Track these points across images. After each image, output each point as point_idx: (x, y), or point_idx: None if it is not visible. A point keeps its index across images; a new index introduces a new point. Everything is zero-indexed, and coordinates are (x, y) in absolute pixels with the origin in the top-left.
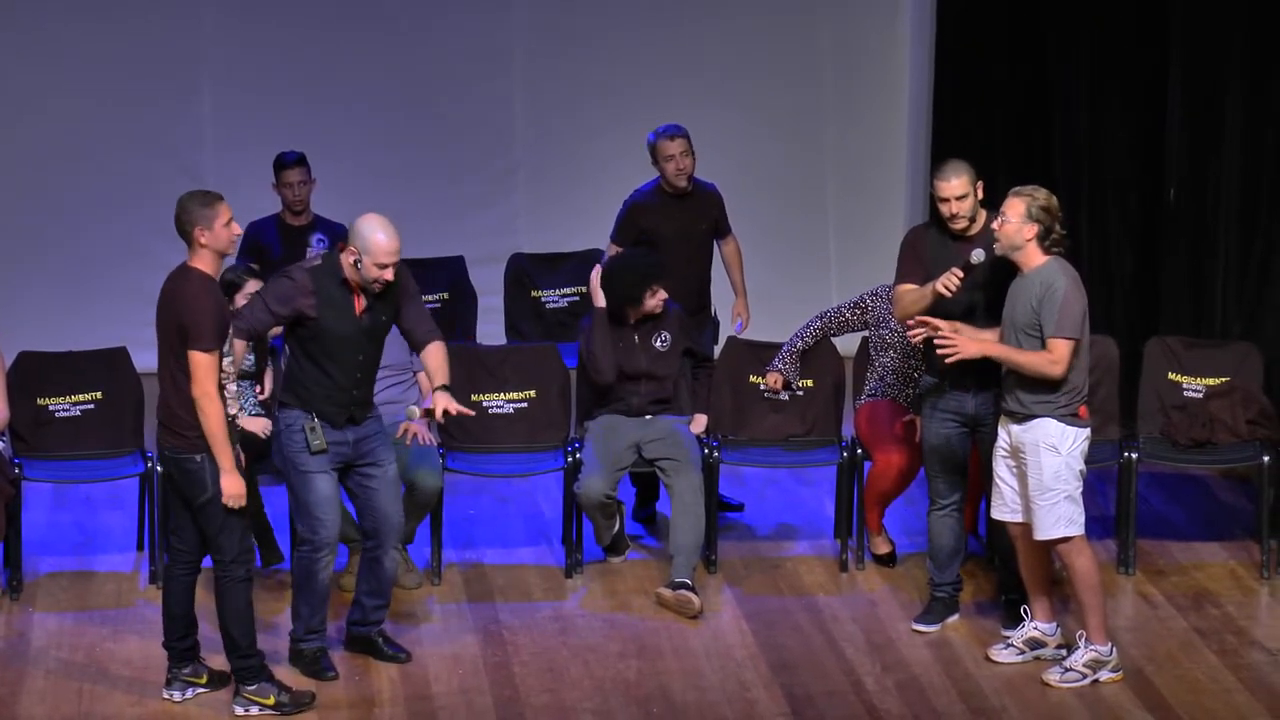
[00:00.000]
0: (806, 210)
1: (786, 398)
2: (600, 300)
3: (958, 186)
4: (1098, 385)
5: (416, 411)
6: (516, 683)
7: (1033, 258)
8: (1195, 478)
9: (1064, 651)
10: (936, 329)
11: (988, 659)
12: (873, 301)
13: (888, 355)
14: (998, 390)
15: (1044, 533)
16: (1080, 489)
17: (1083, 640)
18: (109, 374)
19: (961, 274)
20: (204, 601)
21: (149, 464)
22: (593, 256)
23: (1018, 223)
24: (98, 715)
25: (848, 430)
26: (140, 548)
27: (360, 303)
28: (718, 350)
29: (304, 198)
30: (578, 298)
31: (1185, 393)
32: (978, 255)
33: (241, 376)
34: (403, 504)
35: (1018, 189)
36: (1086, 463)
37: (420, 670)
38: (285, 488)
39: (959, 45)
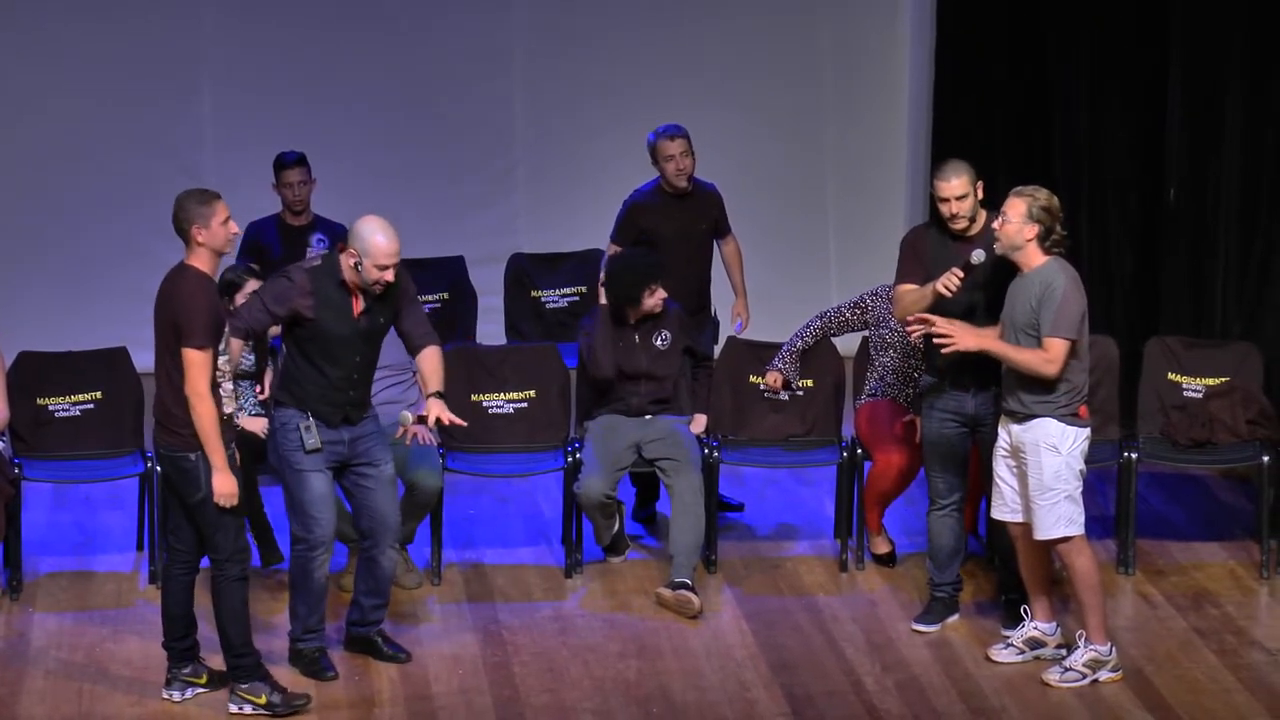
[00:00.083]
0: (806, 210)
1: (786, 397)
2: (603, 298)
3: (958, 186)
4: (1098, 385)
5: (410, 417)
6: (516, 683)
7: (1033, 258)
8: (1195, 478)
9: (1064, 651)
10: (933, 324)
11: (988, 659)
12: (873, 301)
13: (888, 355)
14: (997, 390)
15: (1044, 532)
16: (1080, 489)
17: (1082, 640)
18: (109, 374)
19: (962, 274)
20: (203, 601)
21: (149, 464)
22: (592, 256)
23: (1018, 223)
24: (97, 715)
25: (848, 430)
26: (140, 548)
27: (358, 304)
28: (718, 350)
29: (304, 198)
30: (577, 298)
31: (1185, 393)
32: (978, 255)
33: (242, 376)
34: (403, 504)
35: (1019, 189)
36: (1086, 462)
37: (420, 670)
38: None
39: (959, 45)
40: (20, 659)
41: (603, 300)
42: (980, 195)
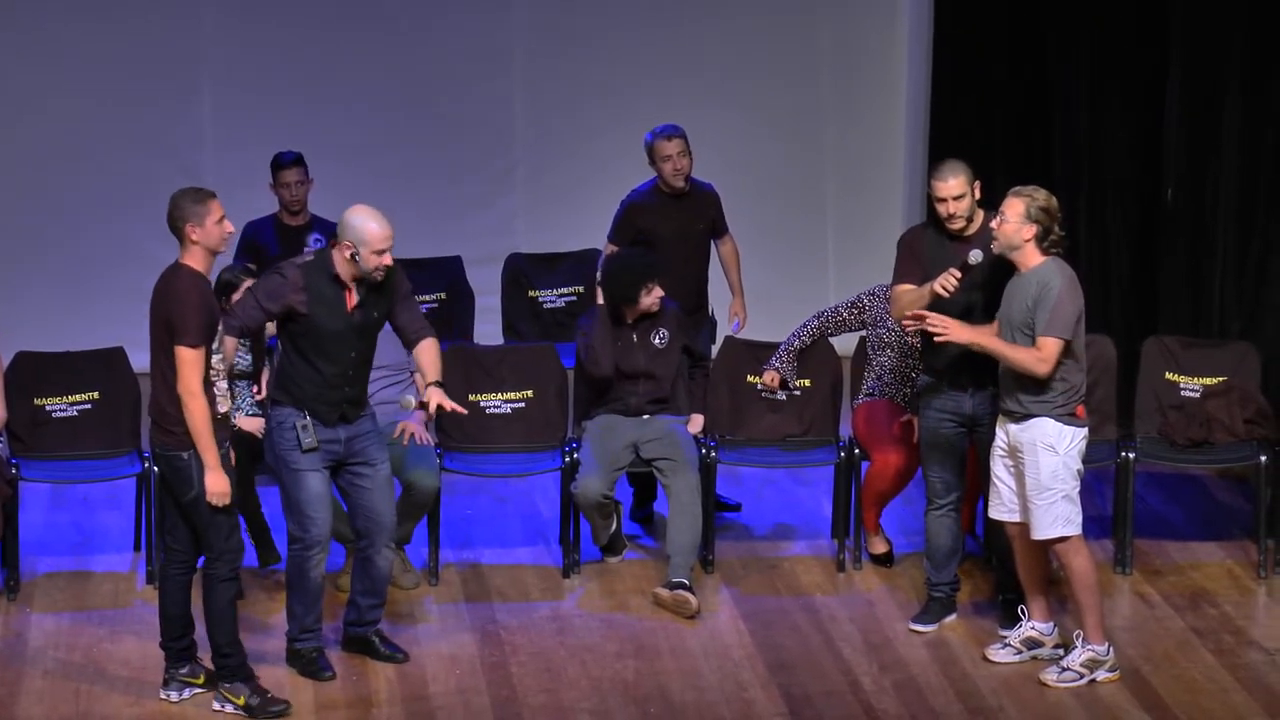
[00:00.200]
0: (805, 210)
1: (783, 397)
2: (600, 298)
3: (955, 186)
4: (1095, 385)
5: (412, 402)
6: (514, 683)
7: (1031, 258)
8: (1193, 477)
9: (1061, 651)
10: (927, 319)
11: (985, 659)
12: (870, 301)
13: (885, 355)
14: (995, 390)
15: (1041, 532)
16: (1078, 489)
17: (1080, 640)
18: (106, 374)
19: (959, 274)
20: (200, 601)
21: (146, 464)
22: (590, 256)
23: (1016, 223)
24: (95, 715)
25: (845, 430)
26: (137, 548)
27: (352, 299)
28: (715, 350)
29: (301, 198)
30: (575, 298)
31: (1183, 392)
32: (976, 256)
33: (239, 376)
34: (400, 504)
35: (1017, 189)
36: (1084, 462)
37: (418, 670)
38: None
39: (958, 45)
40: (18, 659)
41: (600, 300)
42: (978, 195)
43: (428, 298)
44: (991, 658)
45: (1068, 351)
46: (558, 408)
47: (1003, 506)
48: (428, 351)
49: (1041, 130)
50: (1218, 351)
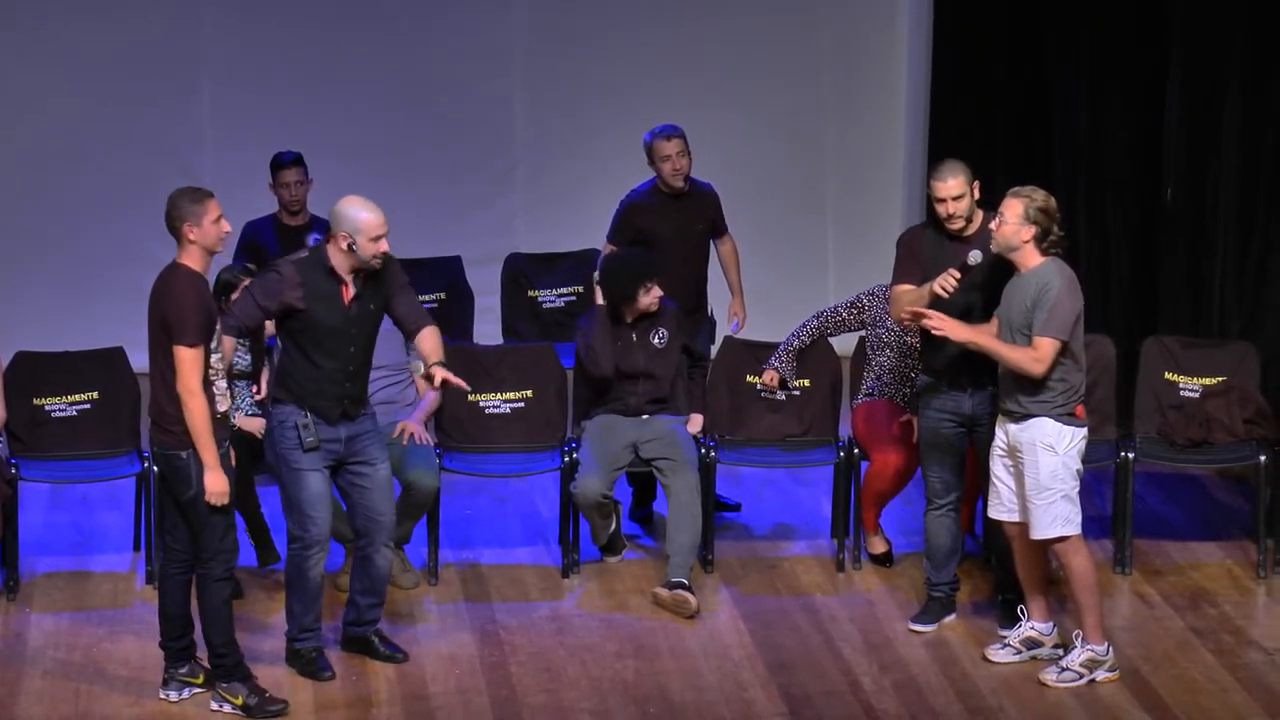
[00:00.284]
0: (805, 210)
1: (783, 396)
2: (599, 298)
3: (954, 187)
4: (1095, 385)
5: (420, 367)
6: (514, 683)
7: (1030, 258)
8: (1192, 477)
9: (1060, 651)
10: (925, 316)
11: (985, 659)
12: (869, 301)
13: (884, 355)
14: (994, 390)
15: (1041, 532)
16: (1077, 488)
17: (1079, 640)
18: (106, 374)
19: (959, 275)
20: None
21: (145, 464)
22: (589, 256)
23: (1016, 224)
24: (95, 715)
25: (845, 430)
26: (137, 548)
27: (348, 292)
28: (714, 350)
29: (300, 198)
30: (574, 298)
31: (1182, 392)
32: (975, 256)
33: (238, 376)
34: (400, 504)
35: (1016, 189)
36: (1083, 462)
37: (417, 670)
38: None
39: (958, 45)
40: (18, 659)
41: (600, 300)
42: (977, 195)
43: (427, 298)
44: (991, 658)
45: (1067, 352)
46: (557, 408)
47: (1002, 506)
48: (429, 339)
49: (1041, 130)
50: (1217, 351)
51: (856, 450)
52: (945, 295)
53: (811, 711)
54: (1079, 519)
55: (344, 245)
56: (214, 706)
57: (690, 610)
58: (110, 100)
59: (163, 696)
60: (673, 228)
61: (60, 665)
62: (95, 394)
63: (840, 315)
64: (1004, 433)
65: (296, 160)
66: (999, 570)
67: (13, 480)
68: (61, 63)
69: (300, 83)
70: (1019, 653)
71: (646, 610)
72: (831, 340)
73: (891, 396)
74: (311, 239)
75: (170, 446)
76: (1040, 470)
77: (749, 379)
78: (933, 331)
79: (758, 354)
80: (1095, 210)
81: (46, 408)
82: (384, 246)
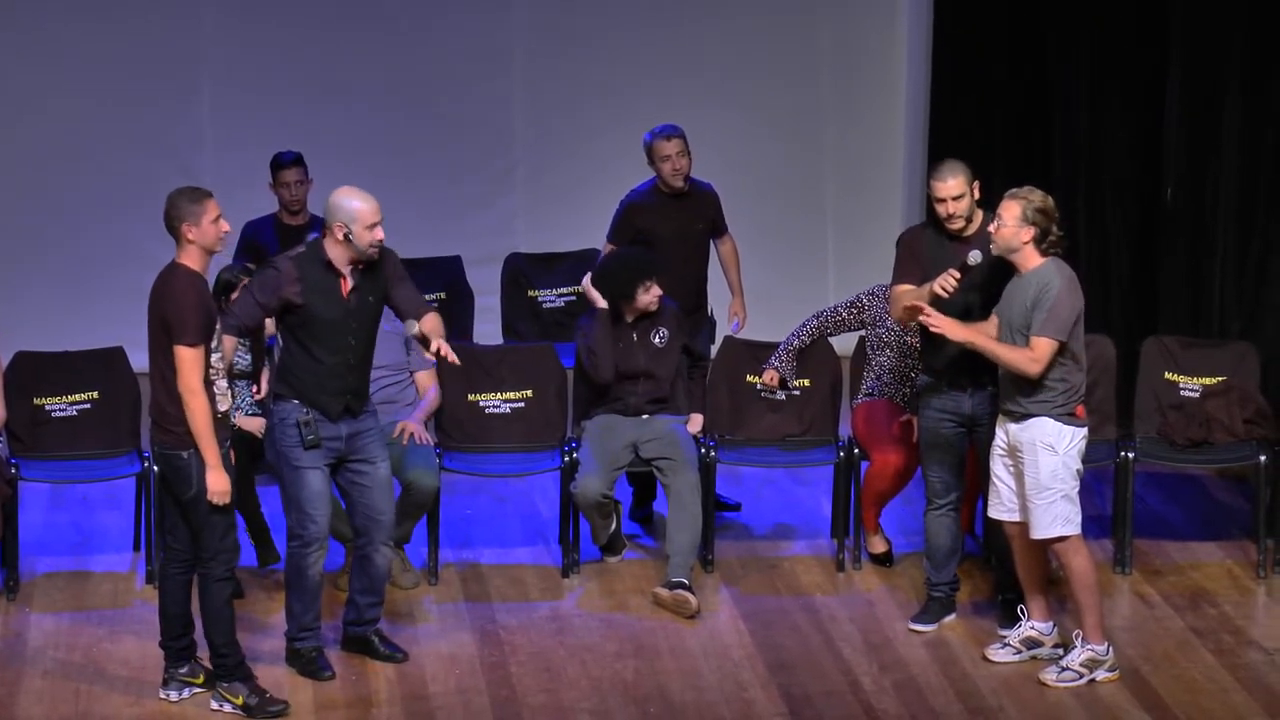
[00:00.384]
0: (805, 210)
1: (782, 396)
2: (600, 302)
3: (954, 187)
4: (1095, 385)
5: (415, 327)
6: (514, 683)
7: (1030, 259)
8: (1192, 477)
9: (1060, 651)
10: (923, 310)
11: (985, 658)
12: (869, 301)
13: (884, 355)
14: (994, 390)
15: (1041, 532)
16: (1077, 488)
17: (1079, 640)
18: (106, 374)
19: (959, 275)
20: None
21: (145, 464)
22: (589, 256)
23: (1014, 226)
24: (95, 715)
25: (845, 430)
26: (137, 548)
27: (346, 285)
28: (714, 350)
29: (300, 198)
30: (574, 297)
31: (1182, 392)
32: (975, 256)
33: (238, 376)
34: (399, 504)
35: (1013, 191)
36: (1083, 462)
37: (417, 670)
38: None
39: (957, 45)
40: (18, 659)
41: (601, 304)
42: (977, 195)
43: (428, 297)
44: (991, 657)
45: (1068, 352)
46: (557, 408)
47: (1002, 506)
48: (429, 321)
49: (1041, 130)
50: (1217, 351)
51: (856, 450)
52: (945, 295)
53: (811, 711)
54: (1079, 519)
55: (340, 236)
56: (214, 706)
57: (690, 610)
58: (110, 100)
59: (163, 696)
60: (673, 228)
61: (60, 665)
62: (95, 394)
63: (840, 315)
64: (1004, 432)
65: (296, 160)
66: (999, 570)
67: (13, 480)
68: (61, 63)
69: (300, 83)
70: (1019, 652)
71: (646, 610)
72: (831, 340)
73: (891, 396)
74: (311, 238)
75: (171, 446)
76: (1040, 470)
77: (749, 379)
78: (930, 329)
79: (758, 354)
80: (1095, 210)
81: (46, 407)
82: (379, 235)
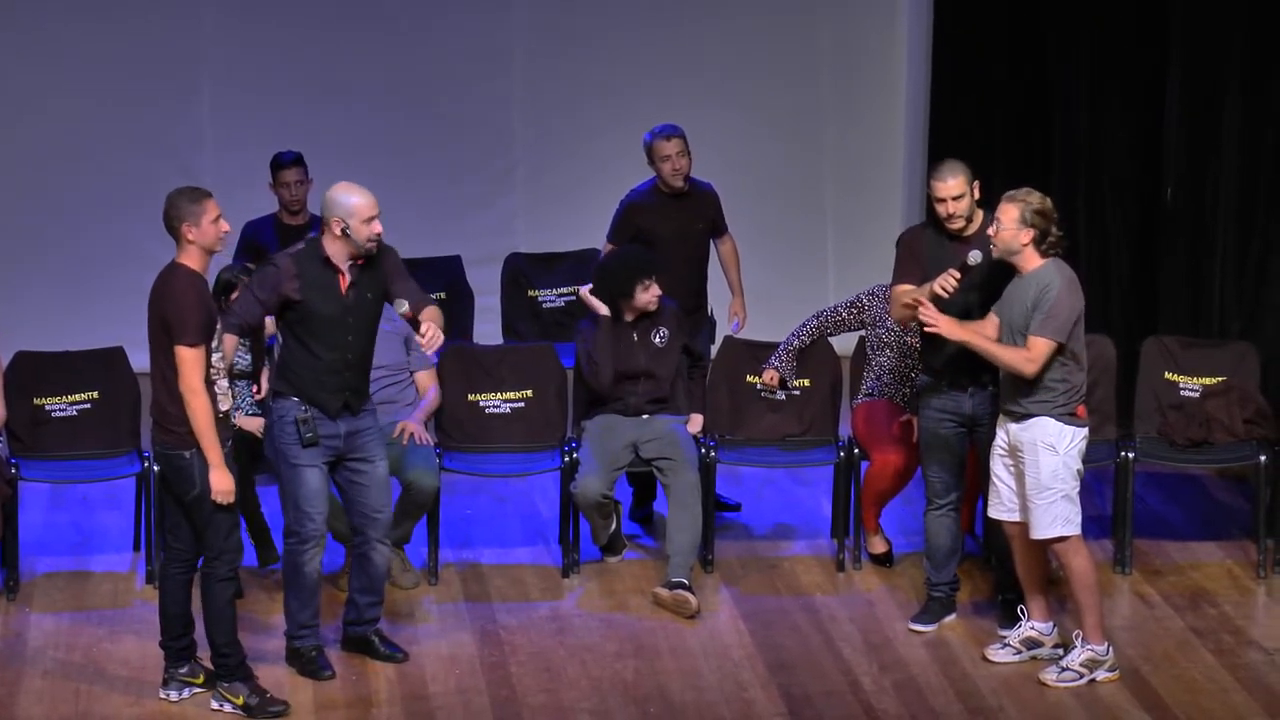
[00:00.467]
0: (805, 210)
1: (782, 396)
2: (601, 310)
3: (954, 186)
4: (1095, 385)
5: (405, 305)
6: (514, 683)
7: (1030, 261)
8: (1192, 477)
9: (1060, 651)
10: (921, 305)
11: (985, 659)
12: (869, 301)
13: (884, 355)
14: (995, 390)
15: (1041, 532)
16: (1077, 488)
17: (1079, 640)
18: (106, 374)
19: (959, 275)
20: (200, 601)
21: (145, 464)
22: (589, 256)
23: (1013, 228)
24: (95, 715)
25: (845, 430)
26: (137, 548)
27: (344, 281)
28: (714, 350)
29: (300, 198)
30: (574, 298)
31: (1182, 392)
32: (975, 256)
33: (239, 376)
34: (399, 503)
35: (1010, 193)
36: (1084, 462)
37: (417, 670)
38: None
39: (957, 45)
40: (18, 659)
41: (603, 312)
42: (977, 195)
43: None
44: (991, 658)
45: (1068, 352)
46: (557, 408)
47: (1002, 506)
48: (429, 313)
49: (1041, 130)
50: (1217, 351)
51: (856, 450)
52: (945, 295)
53: (811, 711)
54: (1079, 519)
55: (338, 231)
56: (214, 706)
57: (690, 610)
58: (110, 100)
59: (163, 696)
60: (673, 227)
61: (60, 665)
62: (95, 394)
63: (840, 315)
64: (1005, 432)
65: (296, 160)
66: (999, 570)
67: (13, 480)
68: (61, 63)
69: (300, 83)
70: (1019, 653)
71: (646, 610)
72: (831, 340)
73: (891, 396)
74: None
75: (173, 446)
76: (1041, 470)
77: (749, 379)
78: (925, 327)
79: (758, 354)
80: (1095, 210)
81: (47, 407)
82: (377, 228)
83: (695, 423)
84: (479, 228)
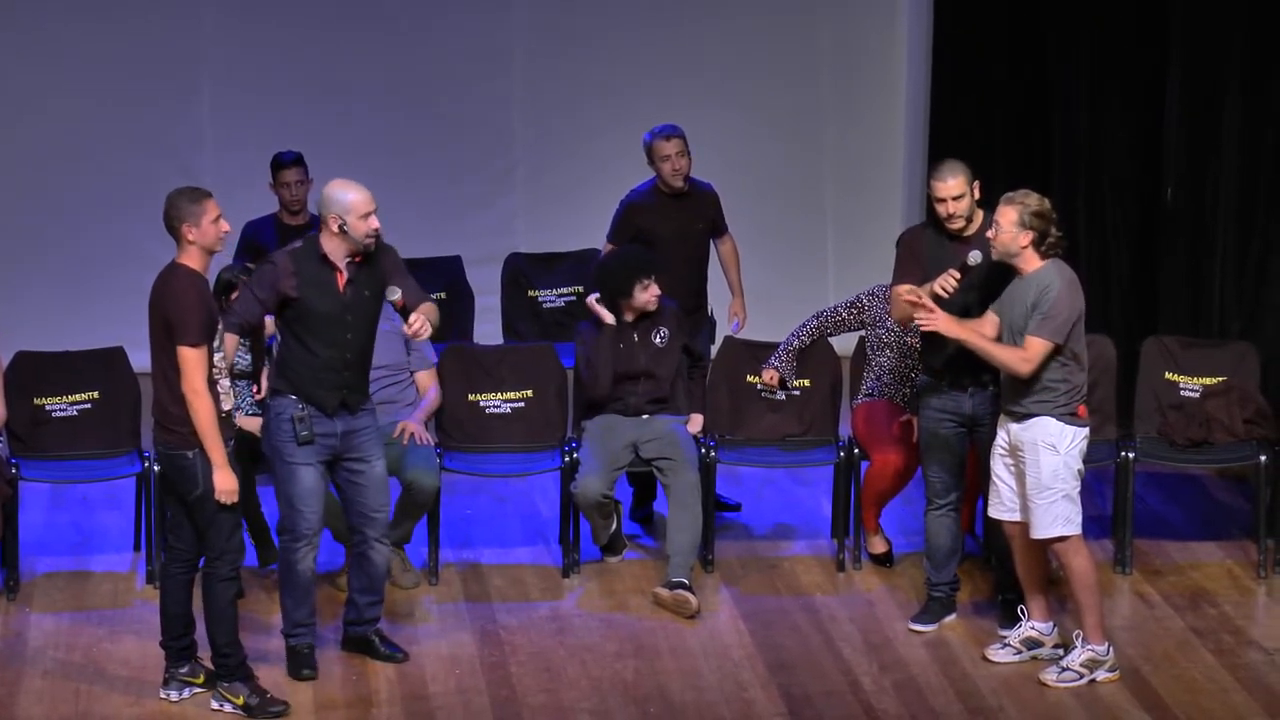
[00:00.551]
0: (805, 210)
1: (782, 396)
2: (607, 318)
3: (954, 186)
4: (1095, 385)
5: (397, 293)
6: (514, 683)
7: (1030, 262)
8: (1192, 477)
9: (1061, 651)
10: (919, 301)
11: (985, 659)
12: (869, 301)
13: (884, 355)
14: (995, 390)
15: (1041, 532)
16: (1078, 488)
17: (1079, 640)
18: (106, 374)
19: (959, 275)
20: (201, 601)
21: (146, 464)
22: (589, 256)
23: (1012, 231)
24: (95, 715)
25: (845, 430)
26: (137, 548)
27: (342, 279)
28: (714, 350)
29: (301, 197)
30: (574, 297)
31: (1182, 392)
32: (975, 257)
33: (239, 376)
34: (400, 503)
35: (1009, 195)
36: (1084, 462)
37: (417, 670)
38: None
39: (958, 45)
40: (18, 659)
41: (608, 320)
42: (977, 195)
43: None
44: (991, 658)
45: (1069, 353)
46: (557, 407)
47: (1002, 506)
48: (426, 308)
49: (1041, 130)
50: (1217, 351)
51: (856, 450)
52: (945, 295)
53: (811, 711)
54: (1079, 519)
55: (335, 227)
56: (215, 706)
57: (690, 610)
58: (110, 100)
59: (163, 696)
60: (673, 228)
61: (60, 665)
62: (95, 394)
63: (840, 315)
64: (1006, 432)
65: (297, 160)
66: (999, 570)
67: (13, 480)
68: (61, 63)
69: (300, 83)
70: (1019, 653)
71: (646, 610)
72: (831, 340)
73: (891, 397)
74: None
75: (175, 446)
76: (1041, 469)
77: (749, 379)
78: (918, 323)
79: (758, 354)
80: (1095, 210)
81: (47, 407)
82: (374, 224)
83: (695, 423)
84: (479, 228)
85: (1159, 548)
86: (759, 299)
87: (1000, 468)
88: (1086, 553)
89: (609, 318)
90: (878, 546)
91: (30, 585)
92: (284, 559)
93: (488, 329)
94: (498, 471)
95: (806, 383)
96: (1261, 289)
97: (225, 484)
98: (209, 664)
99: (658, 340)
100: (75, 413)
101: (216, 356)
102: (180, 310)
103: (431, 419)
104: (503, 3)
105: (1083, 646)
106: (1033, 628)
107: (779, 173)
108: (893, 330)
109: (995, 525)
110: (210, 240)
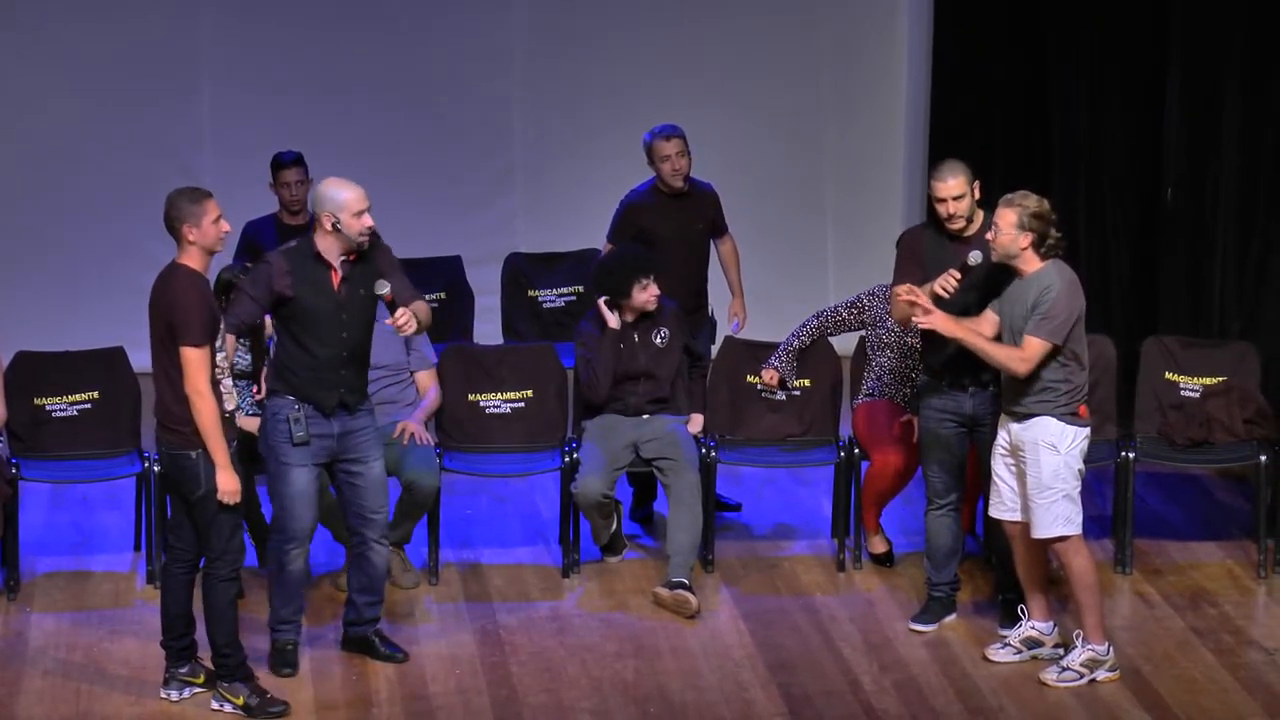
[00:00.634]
0: (805, 210)
1: (782, 396)
2: (613, 323)
3: (954, 187)
4: (1095, 385)
5: (386, 287)
6: (514, 682)
7: (1030, 263)
8: (1192, 477)
9: (1061, 651)
10: (918, 299)
11: (985, 658)
12: (869, 301)
13: (885, 355)
14: (995, 390)
15: (1041, 531)
16: (1079, 488)
17: (1080, 640)
18: (106, 374)
19: (959, 276)
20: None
21: (146, 464)
22: (589, 256)
23: (1011, 233)
24: (96, 715)
25: (845, 430)
26: (137, 548)
27: (337, 277)
28: (715, 350)
29: (301, 197)
30: (574, 297)
31: (1182, 392)
32: (975, 257)
33: (239, 376)
34: (400, 503)
35: (1007, 197)
36: (1084, 462)
37: (417, 670)
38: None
39: (958, 45)
40: (18, 659)
41: (614, 324)
42: (977, 195)
43: (428, 297)
44: (991, 657)
45: (1070, 353)
46: (557, 407)
47: (1003, 505)
48: (419, 308)
49: (1041, 130)
50: (1217, 351)
51: (857, 450)
52: (946, 295)
53: (811, 711)
54: (1080, 519)
55: (329, 226)
56: (215, 706)
57: (691, 610)
58: (110, 100)
59: (163, 696)
60: (673, 228)
61: (60, 665)
62: (95, 394)
63: (840, 315)
64: (1006, 432)
65: (297, 160)
66: (999, 570)
67: (13, 480)
68: (61, 63)
69: (300, 83)
70: (1019, 652)
71: (647, 610)
72: (831, 340)
73: (892, 397)
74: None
75: (178, 446)
76: (1042, 469)
77: (749, 379)
78: (914, 320)
79: (758, 354)
80: (1095, 210)
81: (47, 407)
82: (368, 221)
83: (695, 423)
84: (479, 228)
85: (1159, 548)
86: (759, 299)
87: (1001, 467)
88: (1087, 552)
89: (615, 322)
90: (878, 546)
91: (30, 585)
92: (275, 558)
93: (488, 329)
94: (498, 471)
95: (807, 383)
96: (1261, 289)
97: (228, 484)
98: (209, 664)
99: (658, 340)
100: (75, 413)
101: (219, 356)
102: (182, 311)
103: (431, 419)
104: (503, 3)
105: (1083, 646)
106: (1033, 627)
107: (779, 173)
108: (893, 330)
109: (996, 525)
110: (211, 240)
